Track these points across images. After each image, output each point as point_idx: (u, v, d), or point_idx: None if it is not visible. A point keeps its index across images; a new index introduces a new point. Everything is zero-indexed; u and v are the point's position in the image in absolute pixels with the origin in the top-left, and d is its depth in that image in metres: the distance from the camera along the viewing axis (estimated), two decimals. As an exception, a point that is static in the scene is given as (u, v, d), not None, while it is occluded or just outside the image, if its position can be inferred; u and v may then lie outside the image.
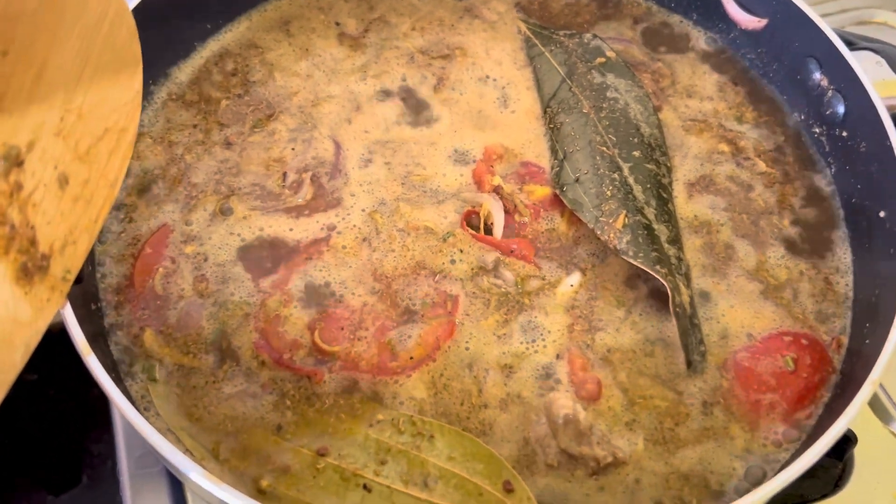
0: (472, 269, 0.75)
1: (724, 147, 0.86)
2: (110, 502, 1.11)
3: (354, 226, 0.77)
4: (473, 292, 0.74)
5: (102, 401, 1.05)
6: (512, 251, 0.77)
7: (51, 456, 1.19)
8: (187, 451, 0.62)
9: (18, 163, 0.48)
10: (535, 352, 0.71)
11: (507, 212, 0.79)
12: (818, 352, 0.74)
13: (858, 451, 0.82)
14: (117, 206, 0.78)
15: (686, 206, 0.82)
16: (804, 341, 0.74)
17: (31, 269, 0.51)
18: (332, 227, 0.77)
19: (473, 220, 0.79)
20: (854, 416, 0.62)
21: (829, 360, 0.74)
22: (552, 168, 0.82)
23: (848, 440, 0.81)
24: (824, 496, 0.81)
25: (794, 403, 0.71)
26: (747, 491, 0.62)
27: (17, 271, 0.50)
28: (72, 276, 0.57)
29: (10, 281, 0.49)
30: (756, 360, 0.73)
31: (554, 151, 0.83)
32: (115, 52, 0.57)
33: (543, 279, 0.75)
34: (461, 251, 0.76)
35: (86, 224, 0.57)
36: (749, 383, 0.72)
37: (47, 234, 0.51)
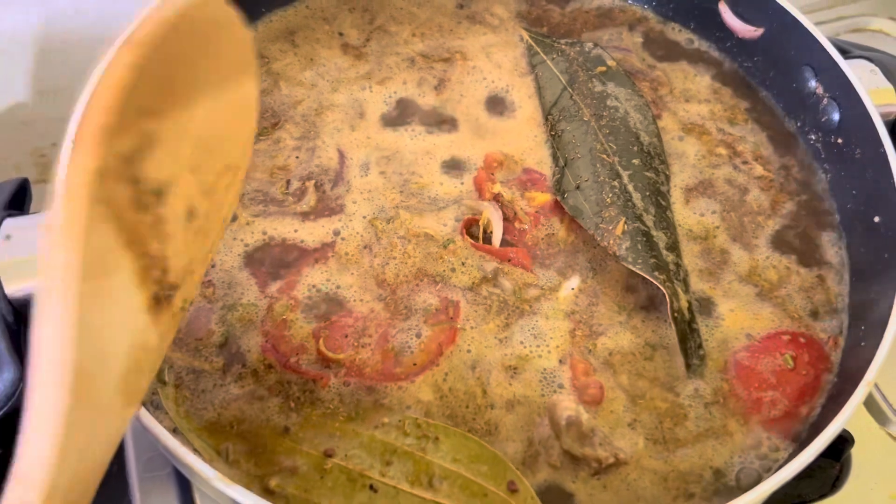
0: (472, 276, 0.77)
1: (722, 150, 0.87)
2: (115, 506, 1.12)
3: (357, 233, 0.79)
4: (474, 299, 0.75)
5: (108, 406, 1.06)
6: (510, 259, 0.78)
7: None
8: (196, 453, 0.63)
9: (162, 197, 0.49)
10: (539, 356, 0.73)
11: (507, 219, 0.80)
12: (816, 349, 0.75)
13: (856, 452, 0.84)
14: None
15: (684, 210, 0.83)
16: (802, 340, 0.76)
17: (161, 299, 0.52)
18: (336, 233, 0.79)
19: (473, 229, 0.80)
20: (849, 417, 0.63)
21: (827, 358, 0.75)
22: (553, 175, 0.84)
23: (845, 441, 0.82)
24: (822, 496, 0.82)
25: (794, 400, 0.72)
26: (745, 490, 0.63)
27: (150, 300, 0.51)
28: (188, 305, 0.58)
29: (144, 310, 0.50)
30: (756, 358, 0.74)
31: (555, 159, 0.85)
32: (240, 95, 0.58)
33: (542, 288, 0.76)
34: (462, 259, 0.77)
35: (201, 256, 0.58)
36: (750, 381, 0.73)
37: (175, 265, 0.52)
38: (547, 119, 0.88)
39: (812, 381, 0.74)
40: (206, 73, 0.52)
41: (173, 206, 0.51)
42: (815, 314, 0.78)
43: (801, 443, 0.69)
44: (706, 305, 0.77)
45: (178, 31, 0.46)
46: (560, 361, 0.72)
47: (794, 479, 0.81)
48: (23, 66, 1.05)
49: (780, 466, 0.65)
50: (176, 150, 0.50)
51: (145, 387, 0.55)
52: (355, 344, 0.72)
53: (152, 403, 0.68)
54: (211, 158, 0.55)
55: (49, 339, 0.42)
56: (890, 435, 0.87)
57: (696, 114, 0.90)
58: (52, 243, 0.42)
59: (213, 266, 0.76)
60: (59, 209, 0.42)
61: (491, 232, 0.79)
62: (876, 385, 0.90)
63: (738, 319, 0.76)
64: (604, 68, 0.91)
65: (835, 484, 0.83)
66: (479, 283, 0.76)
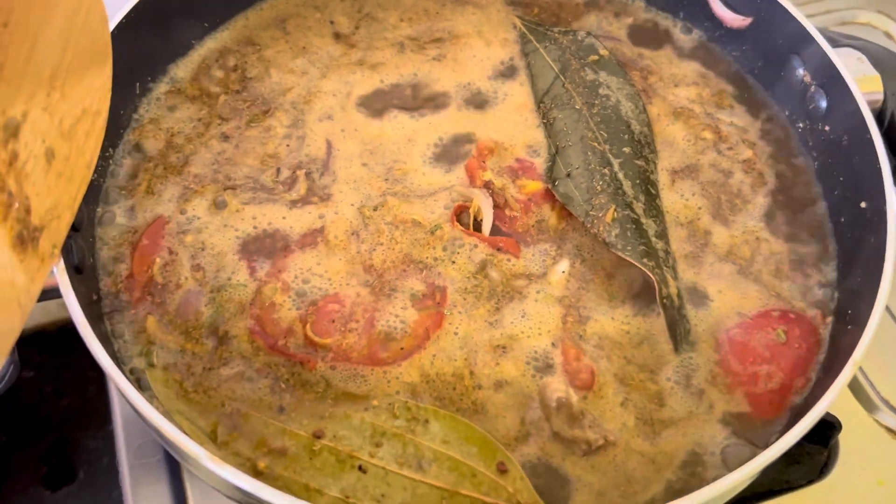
0: (461, 262, 0.77)
1: (708, 134, 0.87)
2: (106, 497, 1.13)
3: (346, 219, 0.79)
4: (463, 286, 0.76)
5: (98, 397, 1.07)
6: (499, 248, 0.78)
7: (48, 452, 1.20)
8: (186, 435, 0.63)
9: (15, 133, 0.51)
10: (528, 336, 0.73)
11: (497, 206, 0.80)
12: (806, 324, 0.76)
13: (843, 439, 0.84)
14: (115, 200, 0.79)
15: (670, 193, 0.83)
16: (792, 315, 0.76)
17: (26, 238, 0.53)
18: (324, 220, 0.79)
19: (464, 216, 0.80)
20: (836, 397, 0.64)
21: (817, 331, 0.76)
22: (545, 163, 0.84)
23: (833, 427, 0.83)
24: (810, 482, 0.83)
25: (789, 373, 0.73)
26: (731, 470, 0.63)
27: (14, 238, 0.52)
28: (57, 251, 0.59)
29: (8, 247, 0.51)
30: (749, 334, 0.75)
31: (547, 146, 0.85)
32: (90, 36, 0.60)
33: (531, 275, 0.77)
34: (449, 244, 0.78)
35: (67, 201, 0.59)
36: (745, 356, 0.74)
37: (38, 206, 0.54)
38: (539, 107, 0.88)
39: (805, 353, 0.74)
40: (46, 8, 0.54)
41: (29, 144, 0.52)
42: (803, 295, 0.78)
43: (787, 424, 0.70)
44: (695, 290, 0.77)
45: None
46: (553, 344, 0.73)
47: (783, 464, 0.82)
48: None
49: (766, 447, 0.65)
50: (22, 86, 0.51)
51: (16, 324, 0.56)
52: (342, 329, 0.72)
53: (141, 385, 0.69)
54: (65, 101, 0.57)
55: None
56: (877, 421, 0.88)
57: (684, 98, 0.90)
58: None
59: (202, 249, 0.76)
60: None
61: (481, 219, 0.80)
62: (863, 372, 0.90)
63: (727, 300, 0.77)
64: (596, 57, 0.91)
65: (822, 470, 0.84)
66: (468, 268, 0.76)
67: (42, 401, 1.24)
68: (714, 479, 0.59)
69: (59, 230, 0.59)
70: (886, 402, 0.88)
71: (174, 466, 0.81)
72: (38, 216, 0.55)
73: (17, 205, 0.51)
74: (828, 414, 0.82)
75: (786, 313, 0.76)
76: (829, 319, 0.76)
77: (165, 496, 0.80)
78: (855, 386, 0.89)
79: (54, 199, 0.57)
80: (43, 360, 1.24)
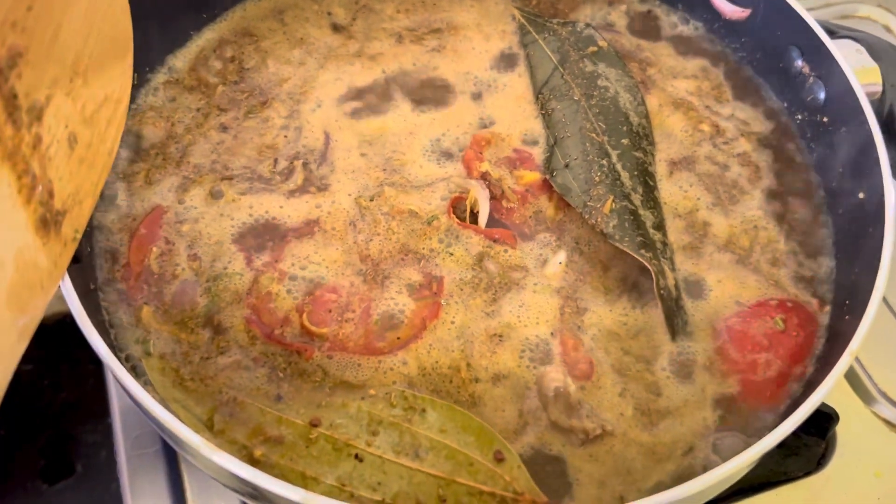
0: (458, 253, 0.77)
1: (706, 127, 0.87)
2: (104, 491, 1.13)
3: (343, 209, 0.79)
4: (461, 278, 0.76)
5: (96, 391, 1.07)
6: (496, 240, 0.78)
7: (46, 446, 1.20)
8: (182, 423, 0.63)
9: (38, 116, 0.51)
10: (525, 326, 0.73)
11: (494, 197, 0.80)
12: (804, 313, 0.76)
13: (841, 431, 0.84)
14: (113, 189, 0.79)
15: (668, 184, 0.83)
16: (789, 304, 0.76)
17: (49, 222, 0.54)
18: (321, 210, 0.79)
19: (461, 208, 0.80)
20: (831, 387, 0.63)
21: (815, 320, 0.76)
22: (543, 153, 0.84)
23: (830, 419, 0.83)
24: (807, 473, 0.83)
25: (788, 361, 0.73)
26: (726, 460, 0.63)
27: (37, 221, 0.53)
28: (79, 236, 0.60)
29: (31, 229, 0.52)
30: (748, 322, 0.75)
31: (545, 137, 0.85)
32: (113, 25, 0.60)
33: (528, 267, 0.77)
34: (446, 235, 0.78)
35: (88, 187, 0.60)
36: (744, 344, 0.74)
37: (60, 191, 0.55)
38: (538, 98, 0.88)
39: (803, 341, 0.74)
40: (67, 3, 0.54)
41: (52, 129, 0.53)
42: (801, 284, 0.78)
43: (784, 413, 0.70)
44: (695, 280, 0.77)
45: None
46: (551, 334, 0.73)
47: (781, 455, 0.82)
48: None
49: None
50: (46, 70, 0.52)
51: (39, 307, 0.56)
52: (339, 318, 0.72)
53: (136, 371, 0.69)
54: (87, 87, 0.57)
55: None
56: (875, 413, 0.88)
57: (683, 89, 0.90)
58: None
59: (199, 239, 0.76)
60: None
61: (478, 211, 0.79)
62: (861, 364, 0.90)
63: (726, 289, 0.77)
64: (595, 49, 0.91)
65: (820, 461, 0.84)
66: (466, 261, 0.76)
67: (40, 395, 1.24)
68: (708, 471, 0.59)
69: (80, 215, 0.60)
70: (884, 395, 0.88)
71: (172, 457, 0.81)
72: (60, 200, 0.55)
73: (40, 188, 0.52)
74: (826, 406, 0.82)
75: (783, 302, 0.76)
76: (827, 308, 0.76)
77: (163, 486, 0.80)
78: (853, 378, 0.89)
79: (76, 184, 0.58)
80: (40, 354, 1.24)
